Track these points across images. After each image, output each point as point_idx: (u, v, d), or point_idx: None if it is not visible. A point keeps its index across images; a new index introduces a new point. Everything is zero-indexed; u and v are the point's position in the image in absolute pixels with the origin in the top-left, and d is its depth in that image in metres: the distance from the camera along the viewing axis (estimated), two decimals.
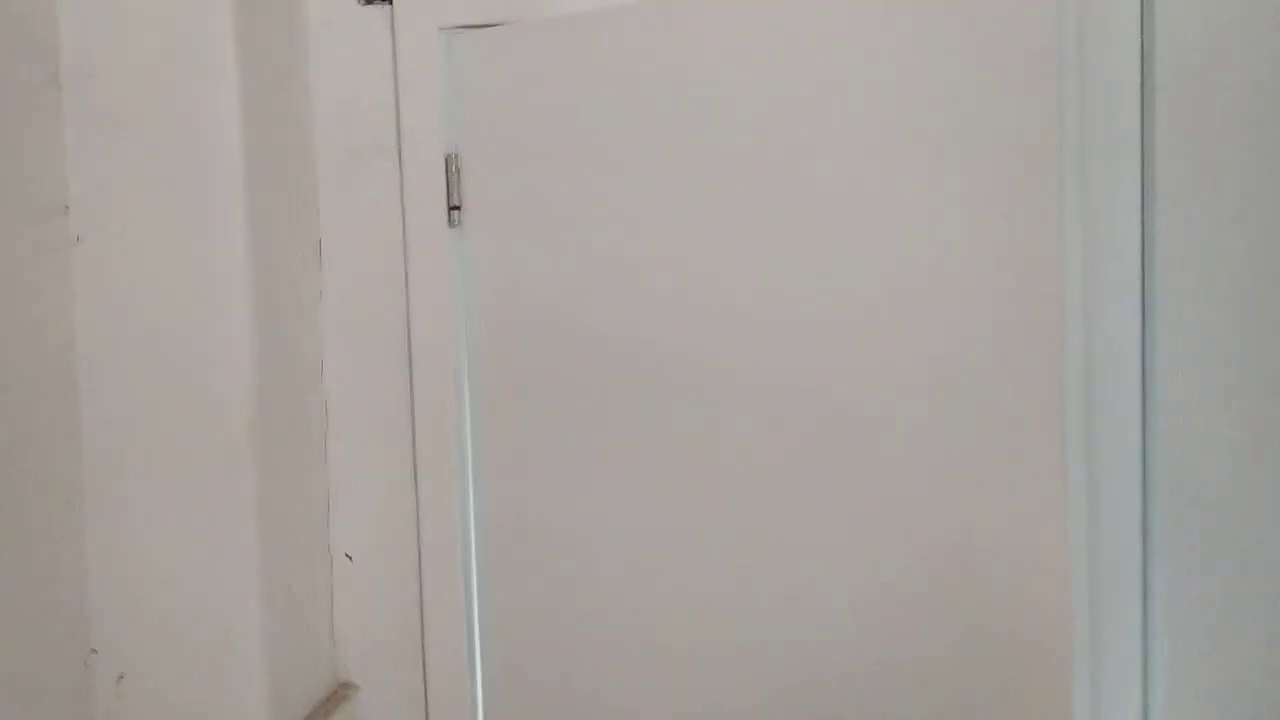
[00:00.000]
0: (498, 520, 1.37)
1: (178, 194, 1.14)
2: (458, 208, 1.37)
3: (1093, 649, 1.16)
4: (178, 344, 1.14)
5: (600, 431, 1.32)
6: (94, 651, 1.15)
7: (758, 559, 1.27)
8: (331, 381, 1.38)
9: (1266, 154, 1.15)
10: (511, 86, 1.34)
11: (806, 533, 1.24)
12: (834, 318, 1.22)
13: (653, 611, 1.31)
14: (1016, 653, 1.18)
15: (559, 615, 1.35)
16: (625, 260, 1.30)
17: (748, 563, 1.27)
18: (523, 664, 1.37)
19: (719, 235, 1.26)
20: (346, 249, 1.37)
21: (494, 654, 1.38)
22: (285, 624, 1.23)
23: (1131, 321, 1.15)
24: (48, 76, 1.10)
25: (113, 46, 1.11)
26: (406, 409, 1.37)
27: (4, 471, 1.02)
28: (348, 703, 1.35)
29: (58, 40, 1.10)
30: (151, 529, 1.15)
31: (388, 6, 1.36)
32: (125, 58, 1.11)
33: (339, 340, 1.37)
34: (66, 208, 1.13)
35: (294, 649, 1.26)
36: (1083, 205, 1.14)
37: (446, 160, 1.36)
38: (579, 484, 1.34)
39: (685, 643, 1.31)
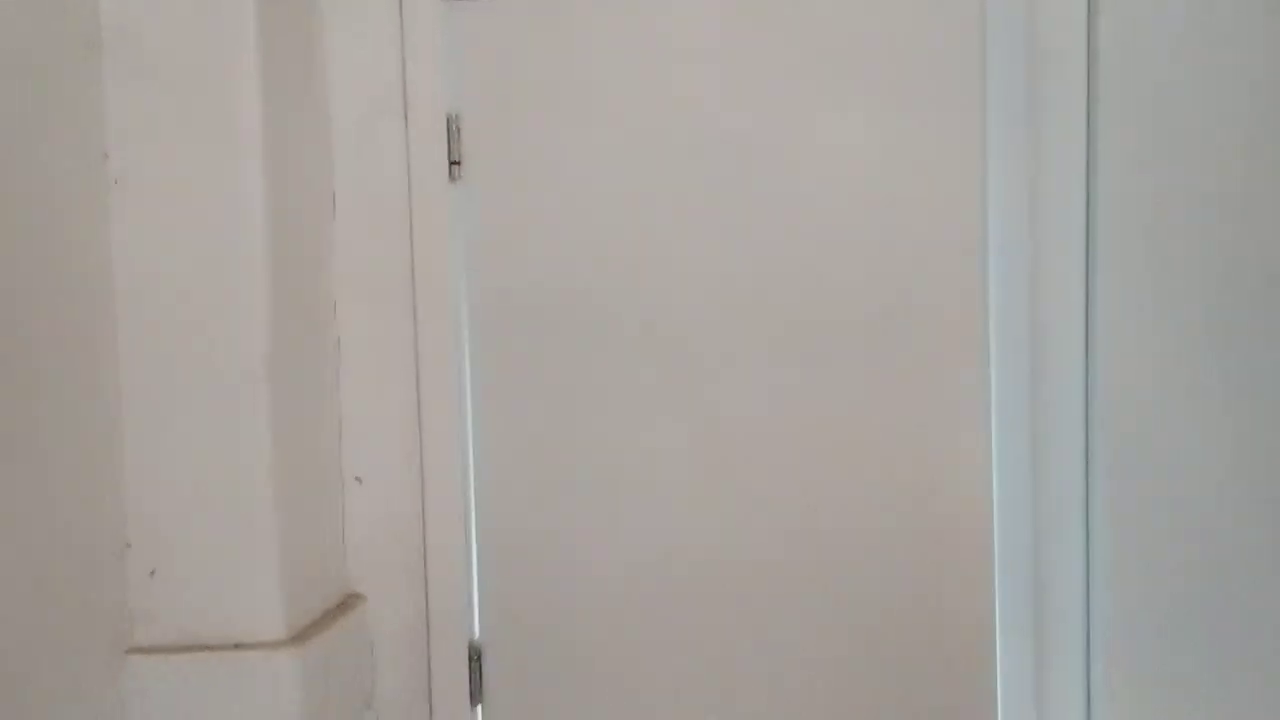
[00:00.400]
0: (494, 446, 1.51)
1: (204, 144, 1.29)
2: (457, 163, 1.51)
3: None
4: (203, 278, 1.29)
5: (586, 361, 1.46)
6: (128, 546, 1.30)
7: (729, 460, 1.41)
8: (343, 321, 1.52)
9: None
10: (508, 52, 1.48)
11: (772, 428, 1.39)
12: (788, 239, 1.37)
13: (638, 517, 1.45)
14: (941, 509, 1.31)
15: (550, 529, 1.49)
16: (610, 208, 1.45)
17: (723, 463, 1.42)
18: (517, 576, 1.51)
19: (695, 179, 1.41)
20: (358, 200, 1.51)
21: (490, 568, 1.52)
22: (300, 535, 1.37)
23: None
24: (90, 36, 1.25)
25: (148, 9, 1.26)
26: (411, 346, 1.51)
27: (52, 388, 1.16)
28: (356, 610, 1.49)
29: (98, 2, 1.26)
30: (181, 442, 1.30)
31: None
32: (159, 19, 1.26)
33: (350, 283, 1.51)
34: (106, 154, 1.28)
35: (308, 558, 1.40)
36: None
37: (447, 120, 1.50)
38: (567, 410, 1.47)
39: (668, 539, 1.44)
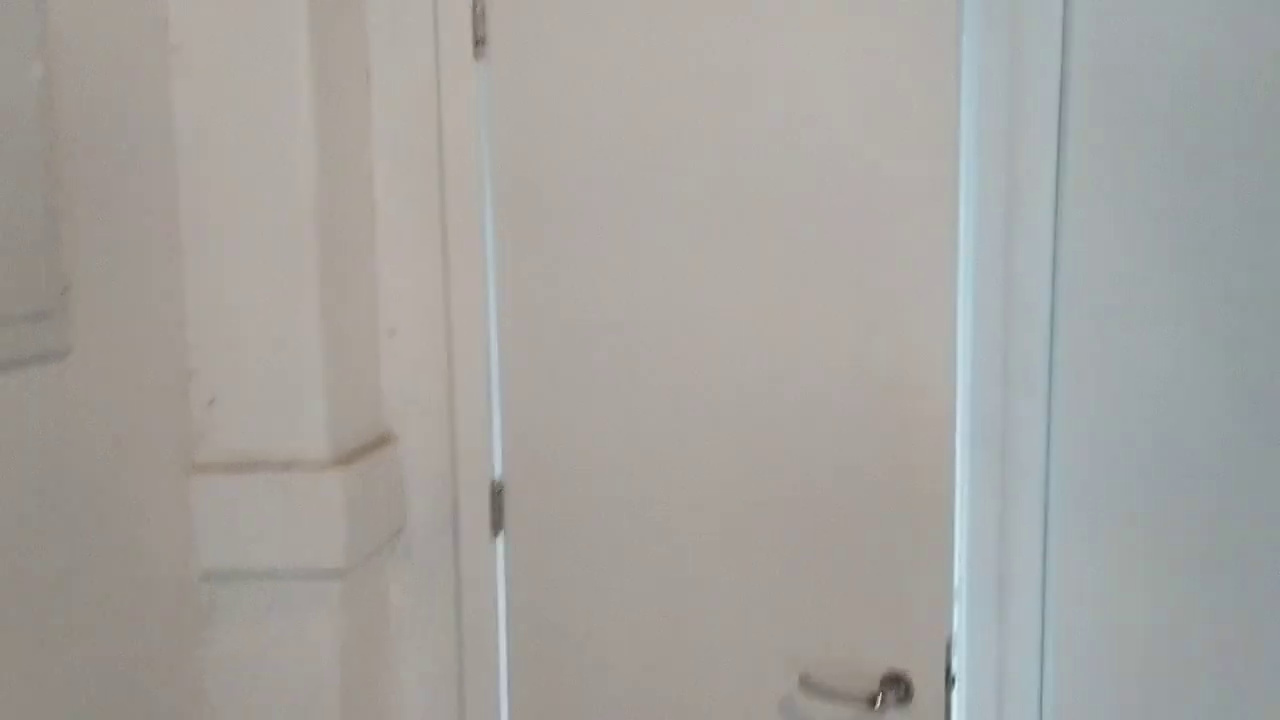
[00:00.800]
0: (514, 302, 1.66)
1: (256, 18, 1.43)
2: (482, 41, 1.64)
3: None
4: (256, 134, 1.43)
5: (599, 228, 1.61)
6: (192, 374, 1.47)
7: (724, 317, 1.56)
8: (378, 187, 1.66)
9: None
10: None
11: (758, 290, 1.54)
12: (776, 128, 1.50)
13: (645, 369, 1.61)
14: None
15: (565, 378, 1.65)
16: (623, 89, 1.58)
17: (720, 320, 1.57)
18: (535, 420, 1.67)
19: (700, 75, 1.54)
20: (390, 76, 1.65)
21: (510, 413, 1.68)
22: (342, 373, 1.53)
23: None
24: None
25: None
26: (438, 211, 1.66)
27: (119, 233, 1.32)
28: (389, 446, 1.65)
29: None
30: (238, 283, 1.45)
31: None
32: None
33: (384, 153, 1.66)
34: (167, 23, 1.42)
35: (349, 395, 1.56)
36: None
37: (473, 1, 1.63)
38: (580, 270, 1.62)
39: (673, 386, 1.60)
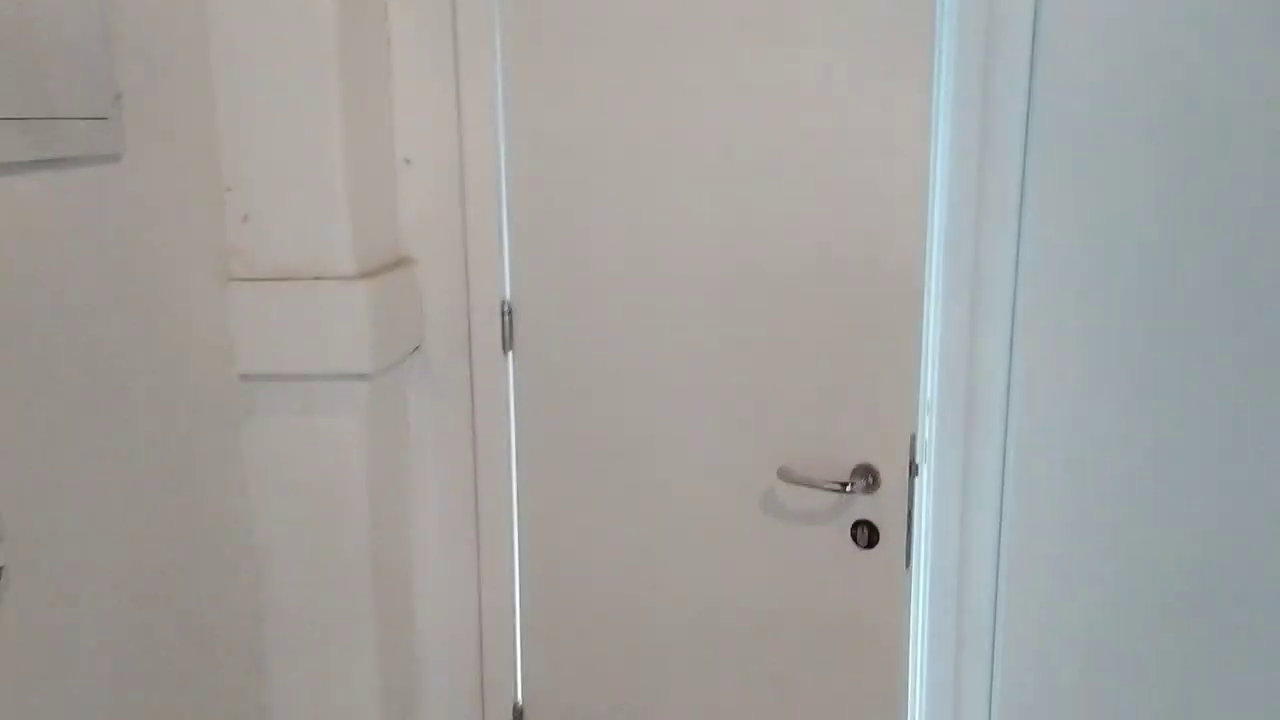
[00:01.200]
0: (524, 133, 1.76)
1: None
2: None
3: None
4: None
5: (610, 59, 1.69)
6: (229, 190, 1.60)
7: (719, 146, 1.67)
8: (393, 22, 1.76)
9: None
10: None
11: (750, 110, 1.64)
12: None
13: (645, 194, 1.72)
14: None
15: (571, 205, 1.76)
16: None
17: (714, 150, 1.67)
18: (542, 245, 1.79)
19: None
20: None
21: (520, 238, 1.81)
22: (364, 195, 1.66)
23: None
24: None
25: None
26: (451, 46, 1.75)
27: (162, 55, 1.43)
28: (407, 268, 1.79)
29: None
30: (266, 108, 1.57)
31: None
32: None
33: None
34: None
35: (370, 217, 1.69)
36: None
37: None
38: (585, 100, 1.73)
39: (671, 208, 1.72)
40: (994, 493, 1.72)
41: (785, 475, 1.63)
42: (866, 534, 1.63)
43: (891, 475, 1.61)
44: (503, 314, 1.82)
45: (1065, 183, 1.65)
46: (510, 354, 1.85)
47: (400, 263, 1.80)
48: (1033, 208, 1.67)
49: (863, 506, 1.64)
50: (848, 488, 1.57)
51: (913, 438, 1.60)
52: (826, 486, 1.60)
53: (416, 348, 1.85)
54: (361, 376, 1.64)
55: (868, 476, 1.60)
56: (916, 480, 1.62)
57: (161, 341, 1.43)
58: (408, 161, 1.80)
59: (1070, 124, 1.63)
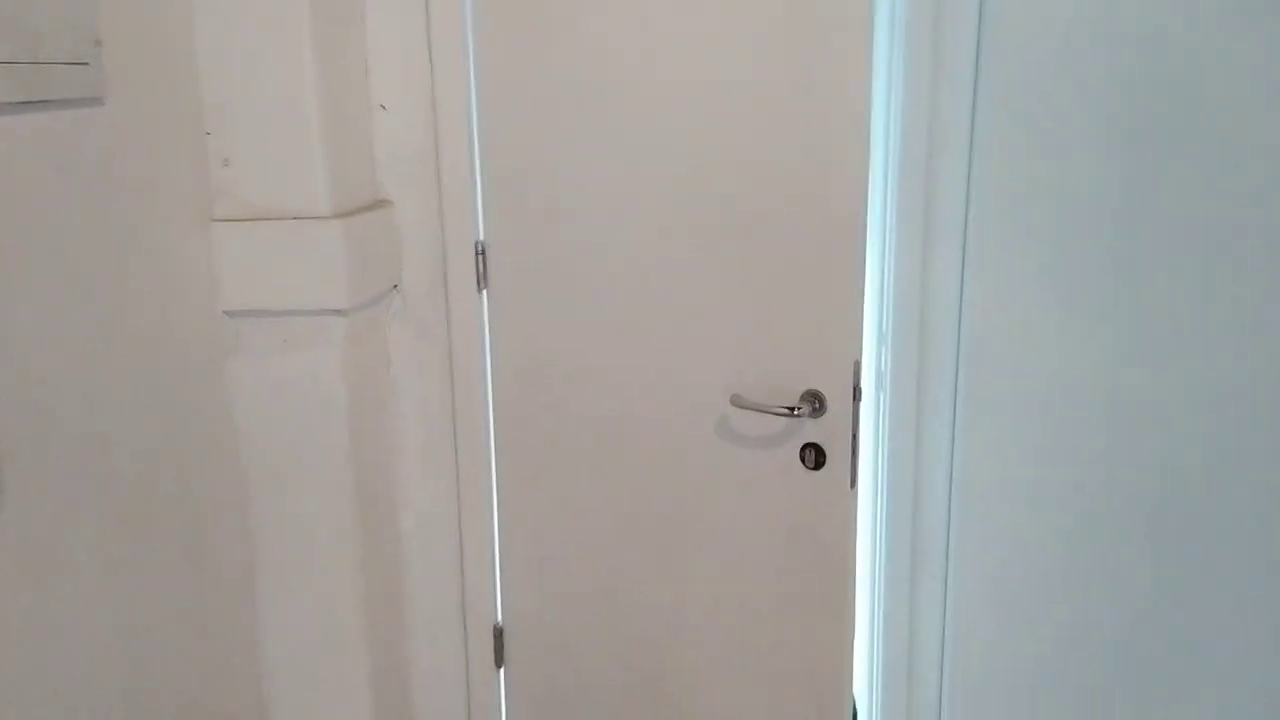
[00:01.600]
0: (494, 76, 1.84)
1: None
2: None
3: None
4: None
5: (574, 5, 1.78)
6: (208, 134, 1.69)
7: (676, 85, 1.74)
8: None
9: None
10: None
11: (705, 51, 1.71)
12: None
13: (614, 140, 1.80)
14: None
15: (541, 146, 1.84)
16: None
17: (675, 101, 1.75)
18: (514, 186, 1.88)
19: None
20: None
21: (492, 180, 1.89)
22: (340, 138, 1.74)
23: None
24: None
25: None
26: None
27: (141, 30, 1.52)
28: (384, 209, 1.88)
29: None
30: (244, 51, 1.65)
31: None
32: None
33: None
34: None
35: (346, 161, 1.77)
36: None
37: None
38: (554, 43, 1.80)
39: (634, 147, 1.80)
40: (947, 419, 1.81)
41: (738, 401, 1.72)
42: (814, 456, 1.73)
43: (837, 400, 1.70)
44: (477, 253, 1.91)
45: (1016, 110, 1.72)
46: (484, 291, 1.94)
47: (377, 205, 1.88)
48: (983, 136, 1.74)
49: (811, 430, 1.73)
50: (795, 412, 1.67)
51: (856, 364, 1.68)
52: (776, 411, 1.69)
53: (395, 286, 1.94)
54: (339, 312, 1.74)
55: (814, 401, 1.70)
56: (860, 405, 1.71)
57: (149, 278, 1.53)
58: (383, 107, 1.88)
59: (1020, 51, 1.70)
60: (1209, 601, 1.80)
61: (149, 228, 1.54)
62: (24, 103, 1.24)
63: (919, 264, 1.78)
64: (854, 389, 1.68)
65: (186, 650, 1.62)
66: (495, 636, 2.07)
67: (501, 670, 2.09)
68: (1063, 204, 1.74)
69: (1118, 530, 1.81)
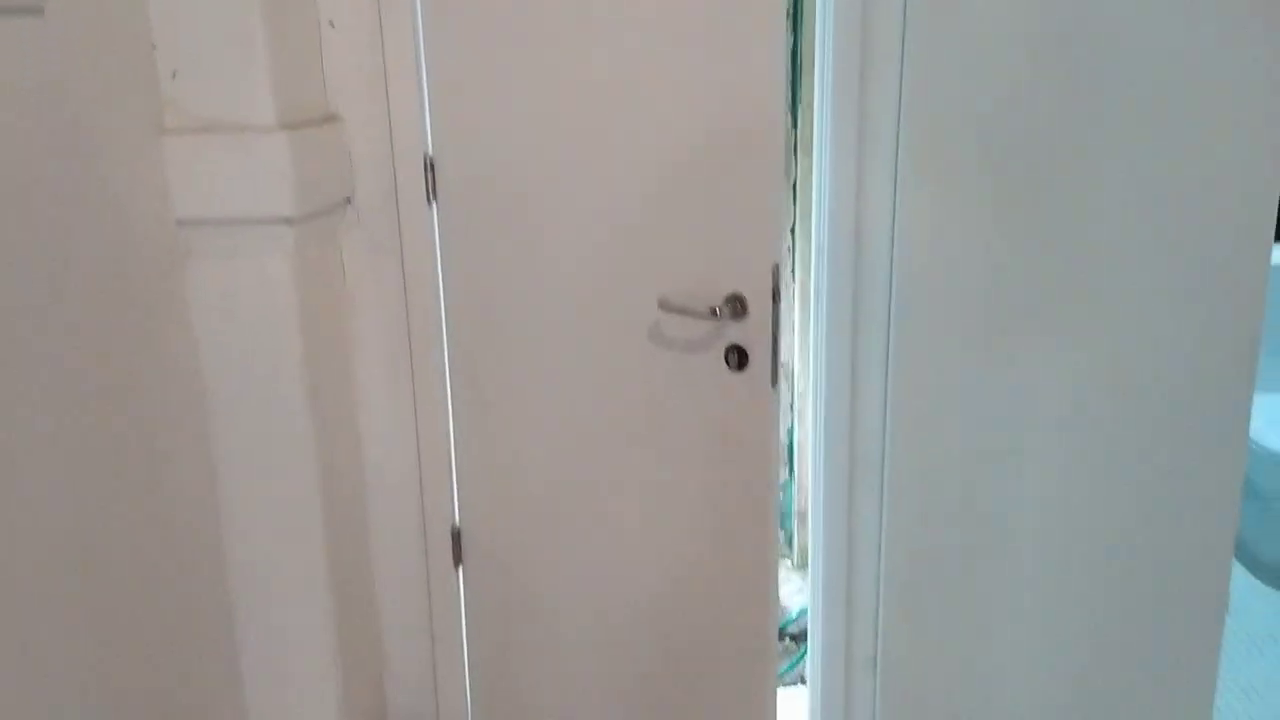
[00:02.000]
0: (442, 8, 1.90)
1: None
2: None
3: None
4: None
5: None
6: (154, 48, 1.76)
7: (614, 23, 1.79)
8: None
9: None
10: None
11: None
12: None
13: (560, 55, 1.86)
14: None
15: (489, 64, 1.89)
16: None
17: (607, 28, 1.80)
18: (461, 102, 1.94)
19: None
20: None
21: (440, 96, 1.95)
22: (287, 51, 1.80)
23: None
24: None
25: None
26: None
27: None
28: (334, 124, 1.95)
29: None
30: None
31: None
32: None
33: None
34: None
35: (291, 74, 1.82)
36: None
37: None
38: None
39: (577, 77, 1.85)
40: (881, 333, 1.87)
41: (665, 305, 1.79)
42: (737, 358, 1.80)
43: (758, 304, 1.76)
44: (426, 168, 1.98)
45: (946, 27, 1.76)
46: (434, 204, 2.01)
47: (326, 120, 1.95)
48: (913, 52, 1.78)
49: (734, 333, 1.80)
50: (717, 313, 1.73)
51: (775, 268, 1.74)
52: (699, 313, 1.76)
53: (349, 200, 2.01)
54: (286, 220, 1.81)
55: (736, 304, 1.76)
56: (780, 307, 1.78)
57: (100, 191, 1.60)
58: (332, 24, 1.94)
59: None
60: (1160, 476, 1.87)
61: (99, 139, 1.61)
62: None
63: (853, 179, 1.83)
64: (773, 292, 1.74)
65: (149, 553, 1.72)
66: (453, 538, 2.16)
67: (460, 569, 2.19)
68: (994, 123, 1.78)
69: (1044, 426, 1.88)
